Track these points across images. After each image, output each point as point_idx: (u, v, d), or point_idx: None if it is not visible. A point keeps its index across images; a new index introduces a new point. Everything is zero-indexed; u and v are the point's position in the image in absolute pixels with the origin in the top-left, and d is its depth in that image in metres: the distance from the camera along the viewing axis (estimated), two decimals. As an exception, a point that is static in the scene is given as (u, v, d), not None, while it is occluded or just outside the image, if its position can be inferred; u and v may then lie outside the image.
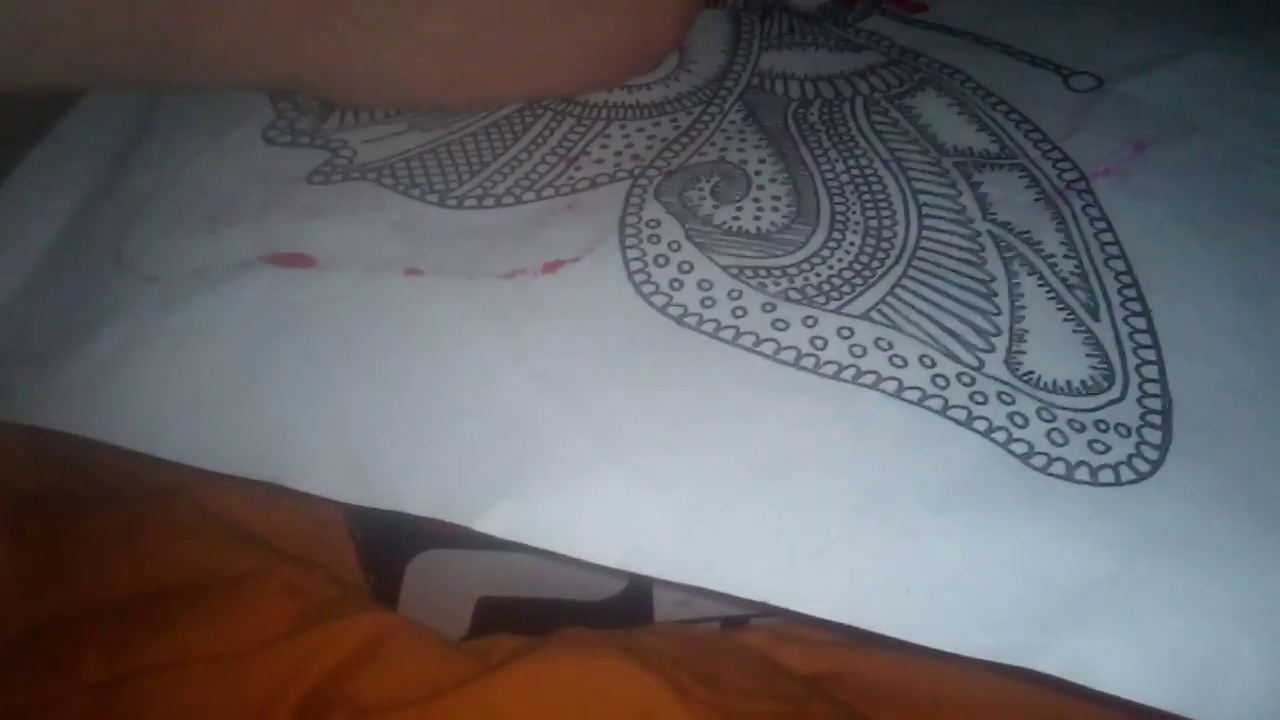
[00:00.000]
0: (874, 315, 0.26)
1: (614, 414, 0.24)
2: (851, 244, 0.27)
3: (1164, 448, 0.23)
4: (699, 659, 0.28)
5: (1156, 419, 0.23)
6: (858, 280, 0.26)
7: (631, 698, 0.26)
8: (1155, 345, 0.25)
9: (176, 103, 0.32)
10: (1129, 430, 0.23)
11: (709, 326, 0.25)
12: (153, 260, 0.27)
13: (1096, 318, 0.25)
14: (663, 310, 0.26)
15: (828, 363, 0.25)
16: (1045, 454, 0.23)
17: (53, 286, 0.28)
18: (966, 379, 0.24)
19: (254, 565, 0.29)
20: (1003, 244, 0.27)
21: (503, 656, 0.28)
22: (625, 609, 0.29)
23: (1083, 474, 0.22)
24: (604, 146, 0.30)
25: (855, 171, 0.29)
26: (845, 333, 0.25)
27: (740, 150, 0.30)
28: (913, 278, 0.27)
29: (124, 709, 0.27)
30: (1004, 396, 0.24)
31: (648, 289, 0.26)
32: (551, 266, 0.27)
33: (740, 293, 0.26)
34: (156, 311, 0.26)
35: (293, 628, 0.28)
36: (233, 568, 0.29)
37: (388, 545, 0.29)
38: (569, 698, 0.27)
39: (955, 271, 0.27)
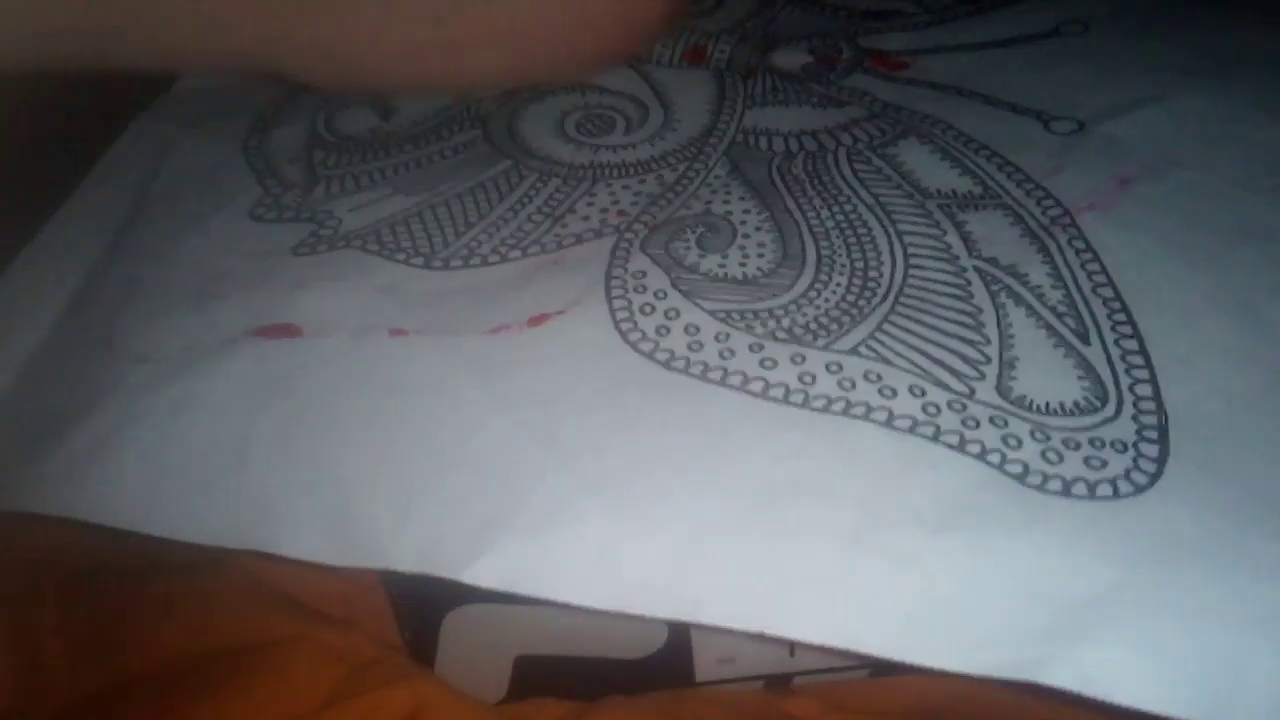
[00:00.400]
0: (862, 350, 0.25)
1: (599, 456, 0.24)
2: (838, 284, 0.27)
3: (1161, 460, 0.22)
4: None
5: (1152, 434, 0.23)
6: (845, 318, 0.26)
7: None
8: (1148, 365, 0.24)
9: (167, 188, 0.33)
10: (1125, 446, 0.23)
11: (696, 369, 0.25)
12: (142, 341, 0.28)
13: (1087, 342, 0.25)
14: (650, 356, 0.26)
15: (817, 397, 0.24)
16: (1041, 472, 0.22)
17: (48, 376, 0.28)
18: (958, 405, 0.24)
19: (294, 630, 0.29)
20: (989, 278, 0.27)
21: None
22: (665, 666, 0.28)
23: (1080, 490, 0.22)
24: (590, 204, 0.31)
25: (840, 217, 0.30)
26: (834, 368, 0.25)
27: (725, 203, 0.30)
28: (900, 313, 0.26)
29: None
30: (996, 420, 0.23)
31: (634, 336, 0.26)
32: (537, 320, 0.27)
33: (727, 335, 0.26)
34: (146, 391, 0.26)
35: (333, 694, 0.27)
36: (273, 633, 0.29)
37: (422, 601, 0.28)
38: None
39: (942, 306, 0.26)
